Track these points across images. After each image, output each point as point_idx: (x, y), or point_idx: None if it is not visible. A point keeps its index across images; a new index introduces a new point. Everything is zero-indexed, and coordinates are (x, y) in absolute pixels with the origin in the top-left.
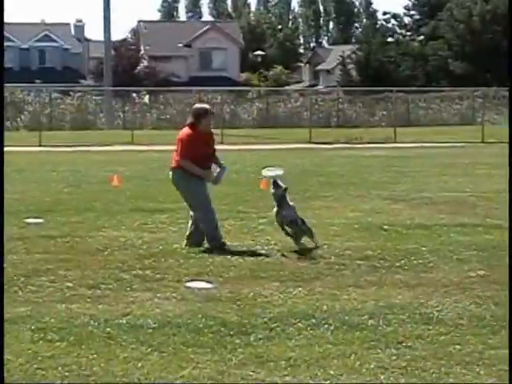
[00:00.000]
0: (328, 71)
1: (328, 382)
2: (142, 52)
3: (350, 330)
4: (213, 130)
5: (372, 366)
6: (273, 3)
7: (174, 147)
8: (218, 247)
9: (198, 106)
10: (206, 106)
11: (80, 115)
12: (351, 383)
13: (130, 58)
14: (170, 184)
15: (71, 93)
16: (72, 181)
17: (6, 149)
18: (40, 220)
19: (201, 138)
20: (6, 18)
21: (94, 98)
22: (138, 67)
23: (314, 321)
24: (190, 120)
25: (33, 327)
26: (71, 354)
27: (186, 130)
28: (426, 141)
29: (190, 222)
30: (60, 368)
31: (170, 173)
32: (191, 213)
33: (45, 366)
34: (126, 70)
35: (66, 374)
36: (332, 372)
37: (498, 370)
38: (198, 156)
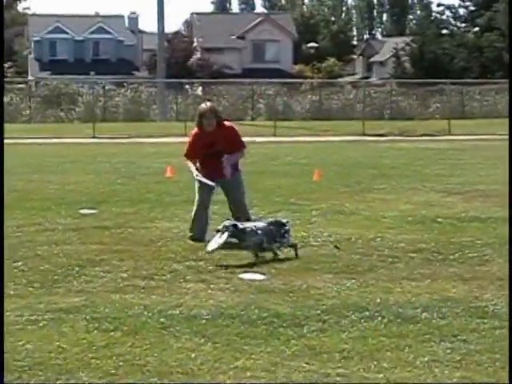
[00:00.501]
0: (381, 63)
1: (381, 374)
2: (195, 44)
3: (404, 323)
4: (266, 122)
5: (426, 360)
6: None
7: None
8: (191, 237)
9: (200, 106)
10: (206, 106)
11: (133, 107)
12: (405, 376)
13: (184, 50)
14: None
15: (125, 84)
16: (125, 172)
17: (60, 140)
18: (94, 211)
19: (205, 138)
20: (62, 10)
21: (147, 89)
22: (191, 59)
23: (367, 313)
24: (196, 120)
25: (87, 317)
26: (125, 343)
27: (193, 130)
28: (480, 133)
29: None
30: (114, 357)
31: None
32: None
33: (99, 355)
34: (179, 61)
35: (121, 363)
36: (385, 365)
37: None
38: (199, 155)
